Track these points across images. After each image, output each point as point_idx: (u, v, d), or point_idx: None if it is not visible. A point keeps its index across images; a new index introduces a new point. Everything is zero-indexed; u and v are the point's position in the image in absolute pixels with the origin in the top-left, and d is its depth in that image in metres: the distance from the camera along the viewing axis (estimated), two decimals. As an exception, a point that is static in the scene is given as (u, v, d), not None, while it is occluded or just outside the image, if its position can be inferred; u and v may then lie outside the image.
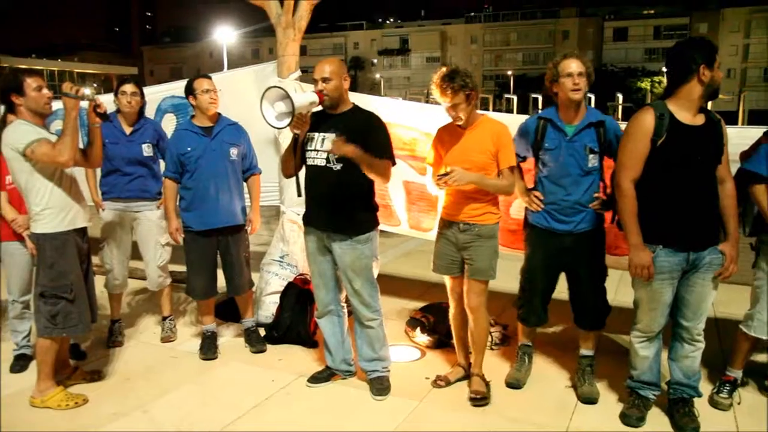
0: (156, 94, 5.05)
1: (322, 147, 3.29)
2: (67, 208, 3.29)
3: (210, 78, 3.96)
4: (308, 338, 4.15)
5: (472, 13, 75.61)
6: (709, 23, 60.93)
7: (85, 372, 3.70)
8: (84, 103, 3.22)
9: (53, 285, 3.26)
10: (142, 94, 4.14)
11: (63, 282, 3.27)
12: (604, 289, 3.45)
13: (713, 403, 3.32)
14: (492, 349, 4.05)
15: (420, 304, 4.63)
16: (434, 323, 4.18)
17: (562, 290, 3.52)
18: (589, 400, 3.37)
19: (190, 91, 3.88)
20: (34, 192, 3.21)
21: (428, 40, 73.84)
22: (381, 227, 3.56)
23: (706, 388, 3.35)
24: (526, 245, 3.53)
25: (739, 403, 3.32)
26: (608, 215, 3.31)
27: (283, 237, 4.68)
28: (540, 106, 37.11)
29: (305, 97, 3.17)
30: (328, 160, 3.27)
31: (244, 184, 4.12)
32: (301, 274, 4.50)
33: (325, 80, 3.26)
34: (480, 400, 3.37)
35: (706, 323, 3.10)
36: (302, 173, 3.47)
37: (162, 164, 4.16)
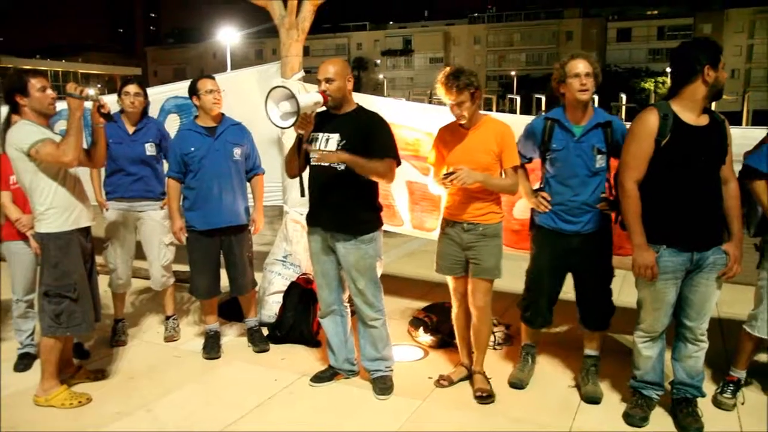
0: (159, 94, 5.06)
1: (326, 147, 3.30)
2: (71, 207, 3.30)
3: (213, 78, 3.97)
4: (311, 338, 4.16)
5: (476, 14, 75.66)
6: (713, 24, 60.83)
7: (88, 371, 3.71)
8: (88, 104, 3.23)
9: (57, 284, 3.27)
10: (145, 95, 4.16)
11: (67, 281, 3.28)
12: (610, 290, 3.44)
13: (717, 403, 3.31)
14: (495, 348, 4.05)
15: (423, 304, 4.63)
16: (437, 323, 4.18)
17: (565, 290, 3.52)
18: (593, 399, 3.37)
19: (193, 91, 3.89)
20: (39, 192, 3.22)
21: (431, 40, 73.85)
22: (384, 227, 3.56)
23: (709, 388, 3.34)
24: (533, 246, 3.52)
25: (742, 404, 3.31)
26: (612, 215, 3.31)
27: (286, 237, 4.69)
28: (543, 106, 37.05)
29: (310, 97, 3.18)
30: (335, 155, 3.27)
31: (248, 184, 4.13)
32: (304, 274, 4.51)
33: (328, 81, 3.26)
34: (486, 397, 3.38)
35: (709, 323, 3.09)
36: (305, 173, 3.48)
37: (165, 164, 4.18)
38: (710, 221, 2.96)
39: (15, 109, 3.30)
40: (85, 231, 3.42)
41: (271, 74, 4.69)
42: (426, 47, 73.65)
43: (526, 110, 36.75)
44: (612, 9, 69.25)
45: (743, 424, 3.16)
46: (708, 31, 58.60)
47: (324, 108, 3.32)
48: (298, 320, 4.20)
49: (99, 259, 3.69)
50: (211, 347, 4.03)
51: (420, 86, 61.07)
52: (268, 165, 4.37)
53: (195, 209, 3.90)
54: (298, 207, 4.54)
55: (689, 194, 2.90)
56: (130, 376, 3.75)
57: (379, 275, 3.52)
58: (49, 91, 3.29)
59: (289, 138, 4.04)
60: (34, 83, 3.24)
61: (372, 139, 3.27)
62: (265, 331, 4.28)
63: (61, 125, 4.20)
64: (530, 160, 3.50)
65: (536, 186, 3.53)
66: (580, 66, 3.18)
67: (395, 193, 4.44)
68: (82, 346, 4.03)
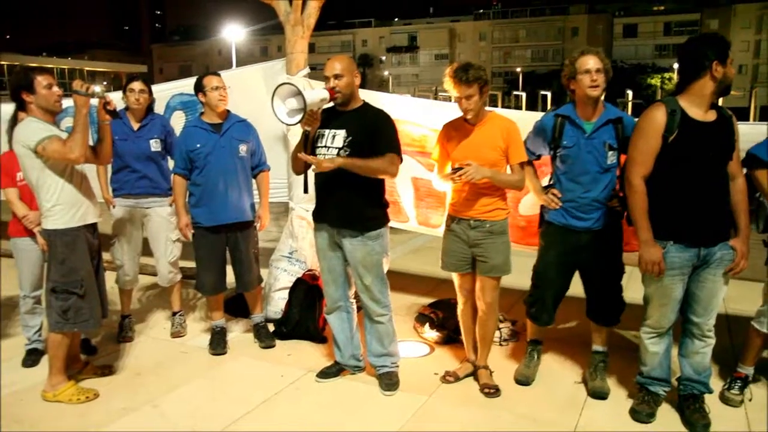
0: (165, 91, 5.07)
1: (333, 144, 3.30)
2: (77, 204, 3.31)
3: (219, 75, 3.98)
4: (317, 334, 4.17)
5: (481, 10, 75.34)
6: (720, 19, 60.44)
7: (96, 367, 3.73)
8: (94, 101, 3.24)
9: (64, 280, 3.29)
10: (150, 91, 4.17)
11: (74, 277, 3.29)
12: (621, 286, 3.43)
13: (724, 399, 3.30)
14: (501, 345, 4.05)
15: (429, 300, 4.64)
16: (443, 319, 4.18)
17: (572, 287, 3.51)
18: (600, 394, 3.37)
19: (199, 88, 3.89)
20: (45, 188, 3.23)
21: (437, 37, 73.69)
22: (390, 224, 3.56)
23: (716, 384, 3.33)
24: (541, 242, 3.50)
25: (750, 400, 3.30)
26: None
27: (291, 233, 4.69)
28: (549, 102, 36.92)
29: (316, 93, 3.18)
30: (338, 156, 3.27)
31: (253, 180, 4.13)
32: (309, 270, 4.51)
33: (337, 77, 3.25)
34: (495, 392, 3.39)
35: (716, 319, 3.08)
36: (311, 170, 3.47)
37: (170, 160, 4.19)
38: (717, 217, 2.95)
39: (22, 106, 3.31)
40: (92, 227, 3.43)
41: (277, 71, 4.69)
42: (431, 44, 73.51)
43: (531, 107, 36.55)
44: (618, 5, 68.94)
45: (750, 420, 3.14)
46: (715, 26, 58.23)
47: (330, 104, 3.32)
48: (304, 316, 4.20)
49: (106, 256, 3.70)
50: (218, 343, 4.04)
51: (425, 83, 60.98)
52: (274, 161, 4.38)
53: (201, 206, 3.91)
54: (303, 203, 4.55)
55: (696, 190, 2.88)
56: (137, 372, 3.77)
57: (385, 271, 3.53)
58: (56, 89, 3.30)
59: (295, 135, 4.05)
60: (41, 80, 3.24)
61: (378, 136, 3.27)
62: (271, 328, 4.29)
63: (67, 122, 4.20)
64: (539, 157, 3.48)
65: (545, 180, 3.52)
66: (591, 62, 3.16)
67: (401, 189, 4.44)
68: (90, 342, 4.05)
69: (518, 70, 61.75)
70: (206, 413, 3.27)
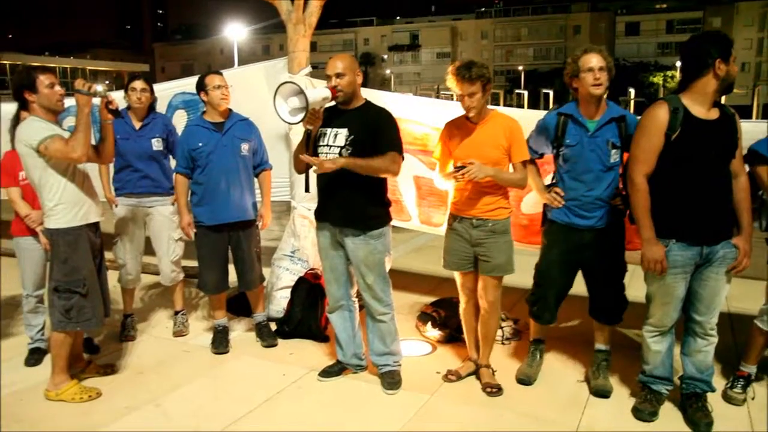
0: (167, 90, 5.08)
1: (335, 143, 3.29)
2: (80, 203, 3.32)
3: (221, 74, 3.98)
4: (319, 333, 4.17)
5: (483, 9, 75.26)
6: (722, 17, 60.29)
7: (98, 366, 3.73)
8: (96, 100, 3.24)
9: (67, 280, 3.29)
10: (151, 90, 4.17)
11: (76, 277, 3.29)
12: (623, 284, 3.43)
13: (727, 398, 3.30)
14: (503, 343, 4.05)
15: (431, 299, 4.63)
16: (445, 318, 4.18)
17: (574, 286, 3.50)
18: (602, 393, 3.36)
19: (201, 87, 3.89)
20: (48, 188, 3.24)
21: (439, 35, 73.61)
22: (392, 222, 3.56)
23: (719, 383, 3.32)
24: (544, 240, 3.50)
25: (753, 399, 3.29)
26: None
27: (294, 232, 4.69)
28: (551, 101, 36.89)
29: (319, 92, 3.17)
30: (340, 155, 3.27)
31: (255, 179, 4.13)
32: (311, 269, 4.51)
33: (339, 76, 3.25)
34: (497, 391, 3.39)
35: (719, 318, 3.08)
36: (312, 169, 3.47)
37: (172, 159, 4.19)
38: (720, 215, 2.94)
39: (24, 105, 3.32)
40: (95, 226, 3.43)
41: (279, 70, 4.69)
42: (433, 42, 73.43)
43: (533, 105, 36.59)
44: (620, 3, 68.73)
45: (753, 419, 3.14)
46: (718, 24, 58.12)
47: (332, 103, 3.31)
48: (306, 315, 4.21)
49: (108, 255, 3.71)
50: (220, 342, 4.05)
51: (427, 81, 60.93)
52: (276, 160, 4.38)
53: (203, 204, 3.91)
54: (305, 202, 4.55)
55: (699, 188, 2.88)
56: (139, 371, 3.77)
57: (387, 270, 3.52)
58: (58, 88, 3.30)
59: (297, 134, 4.05)
60: (43, 80, 3.24)
61: (380, 134, 3.27)
62: (273, 326, 4.30)
63: (69, 122, 4.22)
64: (542, 155, 3.48)
65: (547, 179, 3.51)
66: (594, 60, 3.15)
67: (403, 188, 4.44)
68: (92, 341, 4.05)
69: (520, 68, 61.62)
70: (208, 412, 3.27)
